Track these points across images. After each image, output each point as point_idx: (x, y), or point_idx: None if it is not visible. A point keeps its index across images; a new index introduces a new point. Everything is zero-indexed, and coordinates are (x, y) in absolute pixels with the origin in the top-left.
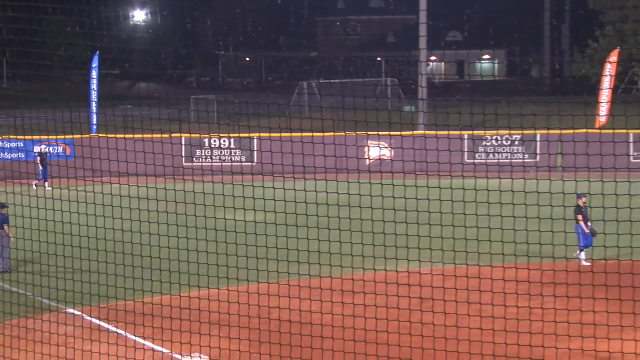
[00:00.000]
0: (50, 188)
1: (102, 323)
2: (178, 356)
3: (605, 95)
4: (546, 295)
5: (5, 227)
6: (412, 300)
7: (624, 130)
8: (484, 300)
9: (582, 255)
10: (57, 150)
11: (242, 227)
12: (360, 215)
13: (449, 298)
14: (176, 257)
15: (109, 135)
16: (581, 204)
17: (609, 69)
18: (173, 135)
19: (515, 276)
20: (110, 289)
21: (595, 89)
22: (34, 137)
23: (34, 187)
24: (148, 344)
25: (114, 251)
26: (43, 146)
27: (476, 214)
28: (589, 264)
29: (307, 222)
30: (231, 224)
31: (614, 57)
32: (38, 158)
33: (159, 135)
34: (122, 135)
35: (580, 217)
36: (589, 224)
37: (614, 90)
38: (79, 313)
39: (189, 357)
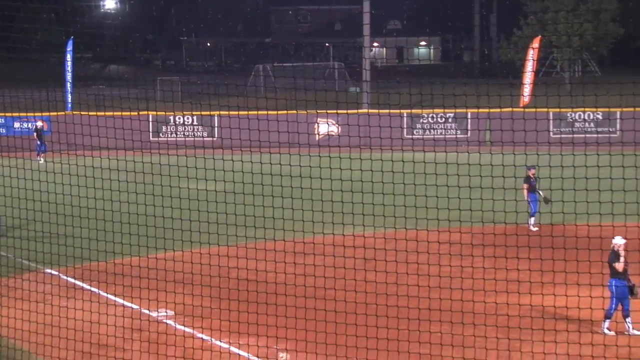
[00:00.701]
0: (43, 161)
1: (77, 282)
2: (146, 311)
3: (528, 77)
4: (476, 256)
5: None
6: (356, 260)
7: (545, 109)
8: (421, 261)
9: (532, 221)
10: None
11: (204, 195)
12: (310, 185)
13: (390, 259)
14: (144, 223)
15: (82, 113)
16: (531, 175)
17: (532, 54)
18: (141, 113)
19: (449, 239)
20: (85, 251)
21: (519, 72)
22: (14, 114)
23: (40, 160)
24: (119, 300)
25: (88, 217)
26: (39, 123)
27: (414, 184)
28: (536, 229)
29: (262, 191)
30: (194, 192)
31: (536, 43)
32: (35, 133)
33: (129, 113)
34: (95, 113)
35: (525, 186)
36: (540, 193)
37: (536, 73)
38: (56, 273)
39: (156, 312)
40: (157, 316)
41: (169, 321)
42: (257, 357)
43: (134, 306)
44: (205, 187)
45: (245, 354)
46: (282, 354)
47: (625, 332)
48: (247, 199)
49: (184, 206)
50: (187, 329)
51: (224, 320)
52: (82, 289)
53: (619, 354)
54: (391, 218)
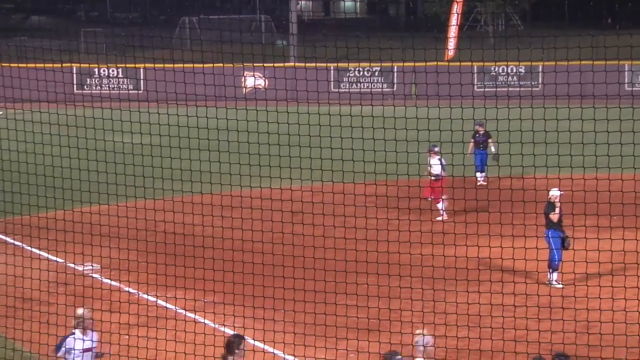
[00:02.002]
0: (0, 112)
1: (0, 236)
2: (72, 265)
3: (453, 31)
4: (401, 208)
5: None
6: (284, 213)
7: (469, 63)
8: (348, 213)
9: (479, 175)
10: None
11: (130, 149)
12: (238, 138)
13: (317, 211)
14: (69, 176)
15: (4, 64)
16: (478, 130)
17: (456, 8)
18: (65, 65)
19: (375, 191)
20: (8, 204)
21: (444, 26)
22: None
23: None
24: (44, 254)
25: (11, 170)
26: None
27: (341, 137)
28: (485, 183)
29: (189, 144)
30: (120, 146)
31: None
32: None
33: (52, 65)
34: (17, 65)
35: (472, 141)
36: (492, 149)
37: (461, 27)
38: None
39: (82, 266)
40: (83, 270)
41: (95, 275)
42: (184, 309)
43: (60, 260)
44: (131, 141)
45: (173, 307)
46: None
47: (547, 282)
48: (174, 153)
49: (110, 159)
50: (113, 283)
51: (151, 274)
52: (6, 243)
53: (540, 303)
54: (318, 171)
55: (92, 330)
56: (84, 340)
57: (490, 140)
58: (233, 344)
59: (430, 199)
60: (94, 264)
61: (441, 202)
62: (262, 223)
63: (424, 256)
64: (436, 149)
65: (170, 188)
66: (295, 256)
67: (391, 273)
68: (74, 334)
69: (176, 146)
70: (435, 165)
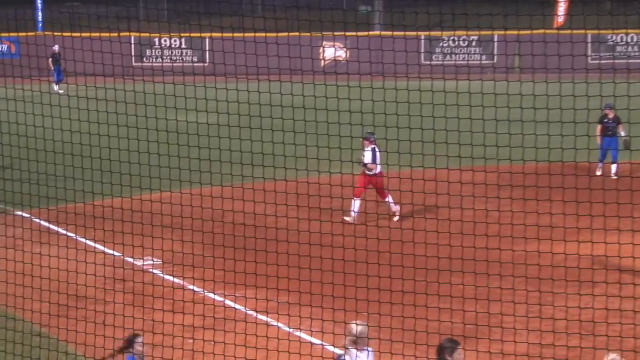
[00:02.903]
0: (61, 91)
1: (51, 226)
2: (130, 259)
3: None
4: (503, 198)
5: None
6: (367, 203)
7: (582, 31)
8: (441, 203)
9: (600, 165)
10: (2, 48)
11: (194, 129)
12: (315, 117)
13: (405, 201)
14: (127, 159)
15: (55, 34)
16: (607, 114)
17: None
18: (122, 34)
19: (472, 178)
20: (60, 191)
21: None
22: None
23: (60, 90)
24: (99, 247)
25: (63, 152)
26: (56, 46)
27: (433, 116)
28: (615, 177)
29: (260, 124)
30: (183, 125)
31: None
32: (50, 59)
33: (107, 34)
34: (69, 34)
35: (599, 127)
36: (622, 134)
37: None
38: (27, 215)
39: (141, 260)
40: (142, 265)
41: (155, 271)
42: (255, 311)
43: (116, 253)
44: (195, 120)
45: (242, 308)
46: None
47: None
48: (243, 133)
49: (172, 141)
50: (176, 280)
51: (217, 270)
52: (57, 233)
53: None
54: (406, 155)
55: (368, 350)
56: None
57: (620, 126)
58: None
59: (357, 200)
60: (154, 259)
61: (389, 197)
62: (342, 214)
63: (528, 253)
64: (372, 138)
65: (239, 173)
66: (381, 252)
67: (490, 272)
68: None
69: (246, 126)
70: (368, 156)
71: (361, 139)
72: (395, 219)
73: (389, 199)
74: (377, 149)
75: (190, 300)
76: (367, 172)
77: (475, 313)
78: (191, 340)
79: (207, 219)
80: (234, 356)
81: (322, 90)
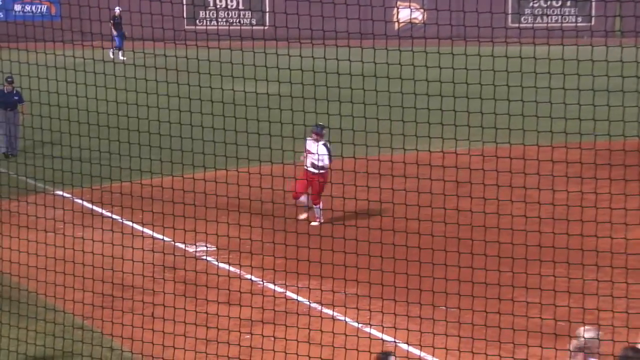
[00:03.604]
0: (124, 58)
1: (95, 207)
2: (181, 245)
3: None
4: (600, 179)
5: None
6: (447, 184)
7: None
8: (529, 185)
9: None
10: (41, 9)
11: (253, 100)
12: (388, 87)
13: (489, 182)
14: (178, 134)
15: None
16: None
17: None
18: None
19: (566, 157)
20: (104, 168)
21: None
22: None
23: (111, 55)
24: (147, 231)
25: (108, 126)
26: (118, 8)
27: (521, 86)
28: None
29: (327, 94)
30: (240, 96)
31: None
32: (111, 21)
33: None
34: None
35: None
36: None
37: None
38: (69, 196)
39: (194, 246)
40: (195, 252)
41: (209, 258)
42: (320, 303)
43: (166, 239)
44: (254, 90)
45: (305, 300)
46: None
47: None
48: (307, 105)
49: (228, 113)
50: (232, 268)
51: (278, 258)
52: (102, 216)
53: None
54: (491, 130)
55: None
56: None
57: None
58: None
59: (300, 201)
60: (208, 245)
61: (306, 198)
62: (418, 196)
63: (629, 241)
64: (323, 131)
65: (302, 150)
66: (461, 239)
67: (586, 262)
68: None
69: (310, 97)
70: (316, 155)
71: (316, 134)
72: (314, 223)
73: (321, 205)
74: (329, 146)
75: (248, 291)
76: (313, 170)
77: (568, 308)
78: (249, 336)
79: (267, 201)
80: (296, 354)
81: (396, 56)
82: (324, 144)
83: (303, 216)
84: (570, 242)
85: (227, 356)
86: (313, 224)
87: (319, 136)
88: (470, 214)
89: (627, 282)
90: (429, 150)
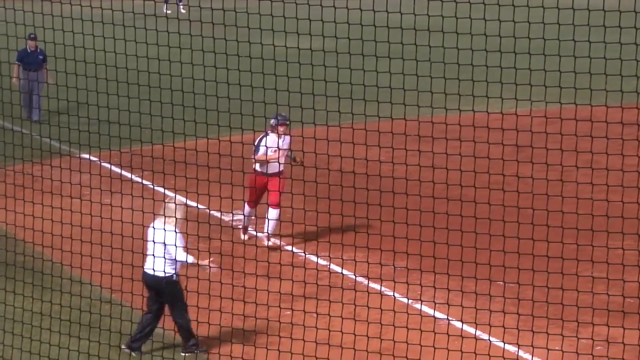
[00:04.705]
0: (184, 11)
1: (123, 172)
2: (216, 214)
3: None
4: None
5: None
6: (506, 148)
7: None
8: (597, 149)
9: None
10: None
11: (294, 56)
12: (442, 42)
13: (553, 146)
14: (214, 93)
15: None
16: None
17: None
18: None
19: (637, 119)
20: (134, 130)
21: None
22: None
23: (181, 9)
24: (180, 198)
25: (138, 84)
26: None
27: (589, 41)
28: None
29: (375, 50)
30: (281, 52)
31: None
32: None
33: None
34: None
35: None
36: None
37: None
38: (96, 159)
39: (230, 214)
40: (232, 221)
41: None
42: (367, 277)
43: (200, 206)
44: (296, 45)
45: (351, 274)
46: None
47: None
48: (353, 62)
49: (268, 71)
50: (272, 239)
51: (321, 228)
52: (131, 181)
53: None
54: (555, 89)
55: None
56: None
57: None
58: None
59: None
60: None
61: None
62: (473, 161)
63: None
64: (286, 123)
65: (348, 111)
66: (521, 208)
67: None
68: None
69: (357, 52)
70: (272, 150)
71: (278, 127)
72: (266, 243)
73: (277, 213)
74: (287, 141)
75: (289, 263)
76: (270, 170)
77: (638, 284)
78: (289, 312)
79: (309, 166)
80: (341, 331)
81: (452, 8)
82: (286, 140)
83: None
84: None
85: (266, 333)
86: (265, 243)
87: (285, 127)
88: (532, 181)
89: None
90: (487, 112)
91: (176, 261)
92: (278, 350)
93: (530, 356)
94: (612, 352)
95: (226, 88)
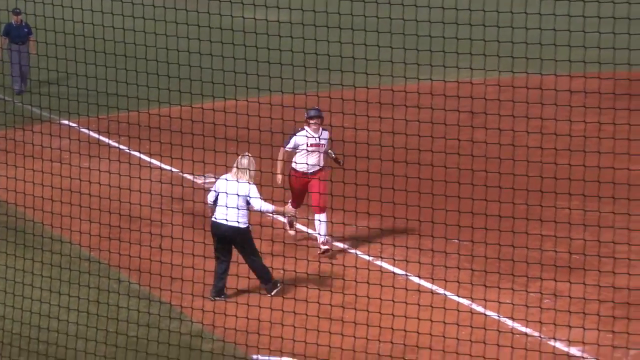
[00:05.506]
0: None
1: (101, 137)
2: (189, 176)
3: None
4: (619, 109)
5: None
6: (461, 115)
7: None
8: (546, 115)
9: None
10: None
11: (263, 27)
12: (402, 14)
13: (505, 112)
14: (186, 62)
15: None
16: None
17: None
18: None
19: (584, 87)
20: (111, 97)
21: None
22: None
23: None
24: (155, 161)
25: (115, 54)
26: None
27: (540, 14)
28: None
29: (339, 22)
30: (250, 23)
31: None
32: None
33: None
34: None
35: None
36: None
37: None
38: (75, 125)
39: (202, 177)
40: (204, 183)
41: None
42: (331, 236)
43: (174, 170)
44: (265, 17)
45: (315, 233)
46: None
47: None
48: (319, 33)
49: (238, 42)
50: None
51: (287, 189)
52: (108, 146)
53: None
54: (508, 59)
55: None
56: None
57: None
58: None
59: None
60: (217, 176)
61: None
62: (432, 127)
63: None
64: (320, 115)
65: (314, 79)
66: (475, 170)
67: (602, 194)
68: None
69: (322, 24)
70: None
71: (310, 119)
72: (322, 248)
73: (325, 216)
74: (327, 135)
75: (257, 223)
76: (309, 172)
77: (583, 241)
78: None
79: (277, 132)
80: (306, 286)
81: None
82: (325, 134)
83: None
84: (586, 174)
85: (237, 288)
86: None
87: (321, 120)
88: (485, 145)
89: None
90: (444, 80)
91: (248, 212)
92: (247, 304)
93: (483, 309)
94: (558, 305)
95: (198, 58)
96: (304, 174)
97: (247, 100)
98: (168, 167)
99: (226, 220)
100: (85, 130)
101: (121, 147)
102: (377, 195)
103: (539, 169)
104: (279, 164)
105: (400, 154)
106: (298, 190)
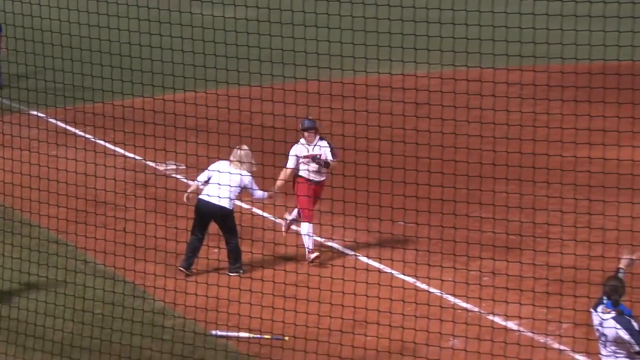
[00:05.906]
0: None
1: (68, 127)
2: (151, 163)
3: None
4: (552, 100)
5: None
6: (406, 105)
7: None
8: (485, 106)
9: None
10: None
11: (220, 24)
12: (351, 11)
13: (447, 103)
14: (149, 56)
15: None
16: None
17: None
18: None
19: (520, 79)
20: (77, 89)
21: None
22: None
23: None
24: (119, 150)
25: (80, 48)
26: None
27: (479, 11)
28: None
29: (292, 18)
30: (209, 20)
31: None
32: None
33: None
34: None
35: None
36: None
37: None
38: (43, 115)
39: (164, 164)
40: (165, 170)
41: (178, 176)
42: (283, 219)
43: (137, 157)
44: (222, 14)
45: (271, 217)
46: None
47: None
48: (273, 29)
49: (197, 37)
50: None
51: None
52: (75, 135)
53: None
54: (449, 53)
55: None
56: None
57: None
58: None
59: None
60: (177, 163)
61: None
62: (379, 117)
63: (578, 159)
64: (313, 126)
65: (269, 73)
66: (419, 157)
67: (537, 179)
68: None
69: (276, 21)
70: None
71: (304, 131)
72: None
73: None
74: (328, 143)
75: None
76: (315, 180)
77: (519, 223)
78: (217, 250)
79: (234, 122)
80: (262, 267)
81: None
82: (327, 141)
83: (315, 254)
84: (522, 161)
85: (196, 269)
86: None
87: (317, 132)
88: (429, 134)
89: (575, 198)
90: (390, 73)
91: (235, 197)
92: (206, 283)
93: (427, 286)
94: (497, 282)
95: (159, 52)
96: (308, 180)
97: (205, 92)
98: (131, 155)
99: (219, 197)
100: (53, 121)
101: (87, 136)
102: (328, 181)
103: (479, 156)
104: (279, 183)
105: (349, 142)
106: (305, 196)
